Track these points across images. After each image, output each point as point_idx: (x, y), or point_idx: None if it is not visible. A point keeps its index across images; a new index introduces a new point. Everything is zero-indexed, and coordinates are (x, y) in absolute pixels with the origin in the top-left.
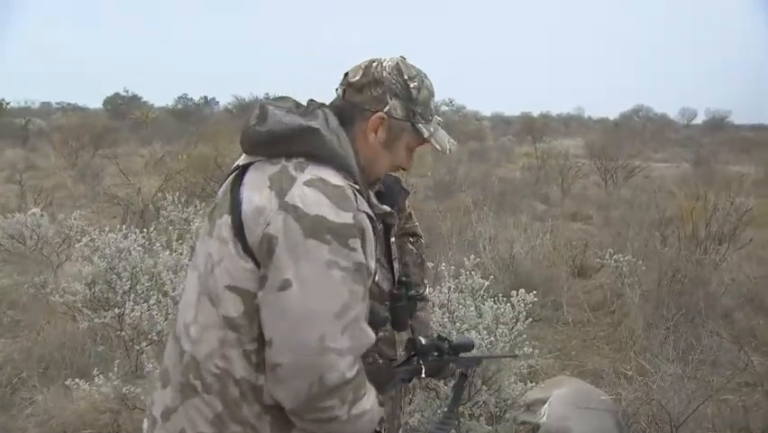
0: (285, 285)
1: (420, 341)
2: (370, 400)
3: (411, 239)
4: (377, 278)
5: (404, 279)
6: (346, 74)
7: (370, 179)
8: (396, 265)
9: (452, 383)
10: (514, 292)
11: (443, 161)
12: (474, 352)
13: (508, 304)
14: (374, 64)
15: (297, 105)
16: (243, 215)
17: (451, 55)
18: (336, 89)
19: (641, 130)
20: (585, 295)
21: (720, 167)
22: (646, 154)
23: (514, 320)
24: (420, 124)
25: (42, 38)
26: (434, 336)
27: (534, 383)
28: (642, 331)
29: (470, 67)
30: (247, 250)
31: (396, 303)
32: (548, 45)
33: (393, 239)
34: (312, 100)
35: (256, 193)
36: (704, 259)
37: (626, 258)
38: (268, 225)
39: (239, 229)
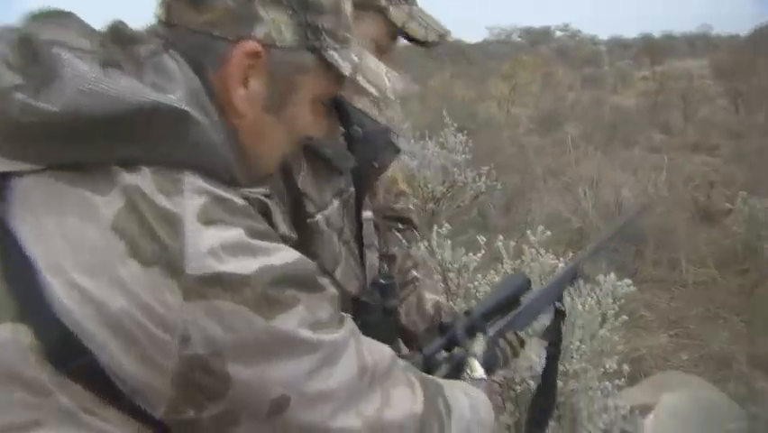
0: (279, 405)
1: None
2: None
3: (400, 225)
4: (338, 274)
5: (381, 281)
6: None
7: (252, 176)
8: (370, 259)
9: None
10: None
11: (551, 88)
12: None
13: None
14: None
15: (112, 36)
16: (78, 328)
17: None
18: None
19: None
20: (709, 248)
21: None
22: None
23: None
24: (332, 52)
25: None
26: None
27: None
28: None
29: None
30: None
31: (366, 315)
32: None
33: (369, 214)
34: (121, 26)
35: (88, 273)
36: None
37: (764, 203)
38: (184, 341)
39: (61, 355)
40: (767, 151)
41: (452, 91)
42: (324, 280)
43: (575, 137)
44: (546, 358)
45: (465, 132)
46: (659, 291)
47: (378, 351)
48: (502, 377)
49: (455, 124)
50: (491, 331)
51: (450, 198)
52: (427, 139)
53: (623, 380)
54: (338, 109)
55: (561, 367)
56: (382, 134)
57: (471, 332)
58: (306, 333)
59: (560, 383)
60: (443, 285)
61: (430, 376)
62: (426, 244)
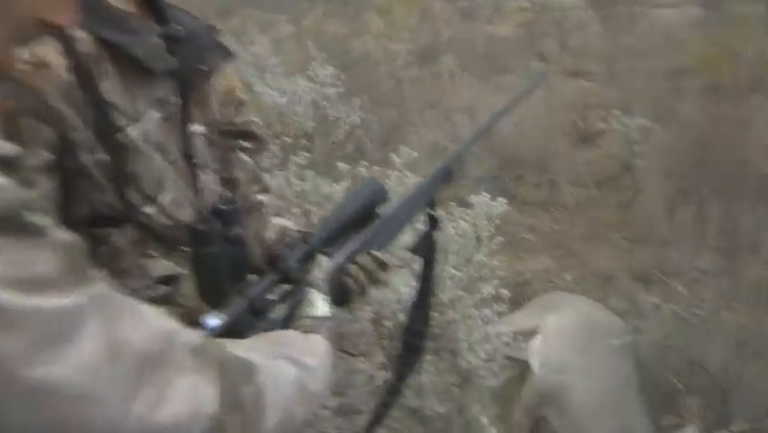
0: None
1: None
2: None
3: (245, 143)
4: (164, 199)
5: (222, 207)
6: None
7: None
8: (206, 182)
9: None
10: (474, 198)
11: (428, 21)
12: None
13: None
14: None
15: None
16: None
17: None
18: None
19: None
20: (588, 169)
21: (735, 7)
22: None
23: (474, 241)
24: None
25: None
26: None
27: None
28: (661, 214)
29: None
30: None
31: (204, 247)
32: None
33: (198, 128)
34: None
35: None
36: (734, 115)
37: (637, 120)
38: None
39: None
40: (637, 72)
41: (325, 28)
42: (46, 221)
43: (453, 68)
44: (420, 276)
45: (335, 64)
46: (541, 214)
47: (150, 326)
48: (372, 313)
49: (324, 56)
50: (339, 256)
51: (324, 134)
52: (297, 75)
53: (502, 305)
54: (150, 4)
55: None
56: (208, 34)
57: (311, 259)
58: (5, 296)
59: (435, 314)
60: (304, 220)
61: (239, 354)
62: (286, 176)
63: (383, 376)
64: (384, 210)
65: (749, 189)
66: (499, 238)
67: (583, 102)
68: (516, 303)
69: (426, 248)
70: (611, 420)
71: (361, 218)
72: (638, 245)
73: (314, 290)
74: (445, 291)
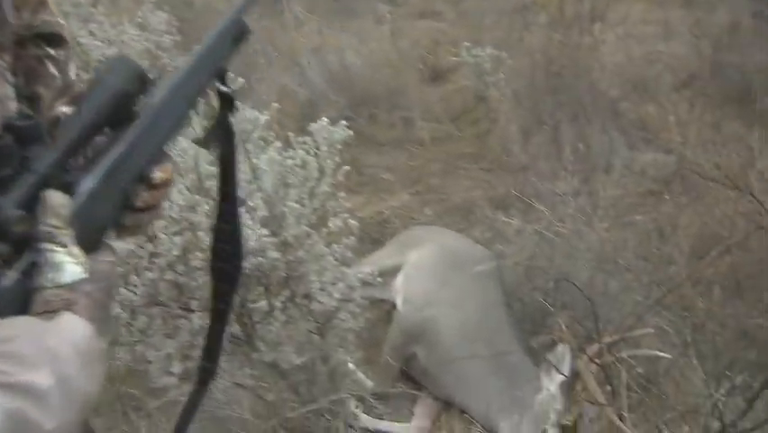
0: None
1: None
2: None
3: (50, 49)
4: None
5: (17, 123)
6: None
7: None
8: None
9: None
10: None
11: None
12: None
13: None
14: None
15: None
16: None
17: None
18: None
19: None
20: (442, 105)
21: None
22: None
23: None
24: None
25: None
26: None
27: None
28: (517, 142)
29: None
30: None
31: None
32: None
33: None
34: None
35: None
36: (580, 43)
37: (487, 51)
38: None
39: None
40: (485, 10)
41: None
42: None
43: (299, 13)
44: (219, 177)
45: (168, 10)
46: (397, 153)
47: None
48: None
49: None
50: (88, 182)
51: None
52: (125, 24)
53: (352, 238)
54: None
55: (278, 237)
56: None
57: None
58: None
59: (276, 254)
60: None
61: None
62: None
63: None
64: (149, 100)
65: (599, 112)
66: (346, 167)
67: (433, 39)
68: (377, 243)
69: (221, 138)
70: (482, 348)
71: (110, 120)
72: (496, 174)
73: (54, 245)
74: (289, 229)
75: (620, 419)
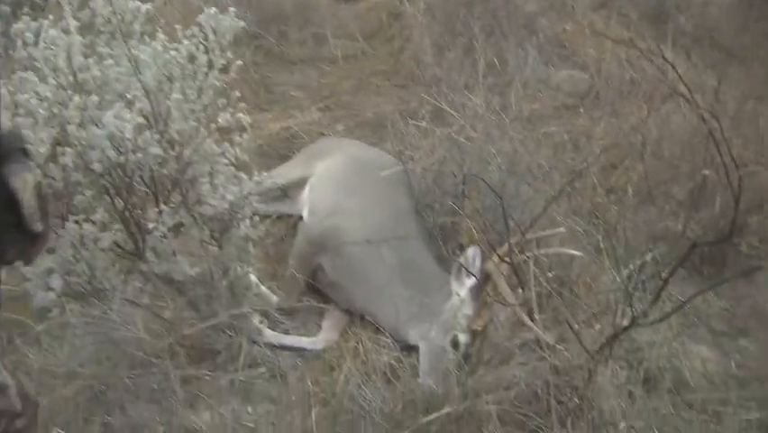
0: None
1: None
2: None
3: None
4: None
5: None
6: None
7: None
8: None
9: None
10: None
11: None
12: None
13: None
14: None
15: None
16: None
17: None
18: None
19: None
20: (355, 22)
21: None
22: None
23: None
24: None
25: None
26: None
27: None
28: (431, 57)
29: None
30: None
31: None
32: None
33: None
34: None
35: None
36: None
37: None
38: None
39: None
40: None
41: None
42: None
43: None
44: None
45: None
46: (308, 71)
47: None
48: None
49: None
50: None
51: None
52: None
53: (245, 136)
54: None
55: (163, 136)
56: None
57: None
58: None
59: (159, 150)
60: None
61: None
62: None
63: (111, 238)
64: None
65: (515, 28)
66: (239, 62)
67: None
68: (285, 159)
69: None
70: (390, 257)
71: None
72: (410, 89)
73: None
74: (175, 123)
75: (531, 319)
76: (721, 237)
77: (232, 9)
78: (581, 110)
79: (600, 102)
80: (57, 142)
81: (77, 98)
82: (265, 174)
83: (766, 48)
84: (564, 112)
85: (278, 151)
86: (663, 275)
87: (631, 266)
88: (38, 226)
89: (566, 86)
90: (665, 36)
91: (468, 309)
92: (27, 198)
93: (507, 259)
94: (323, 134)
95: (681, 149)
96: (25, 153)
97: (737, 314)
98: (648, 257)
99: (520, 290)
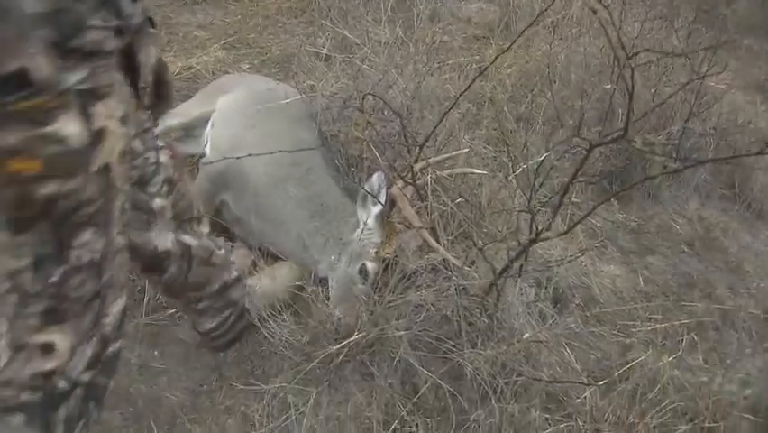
0: None
1: None
2: None
3: None
4: None
5: None
6: None
7: None
8: None
9: None
10: None
11: None
12: None
13: None
14: None
15: None
16: None
17: None
18: None
19: None
20: None
21: None
22: None
23: None
24: None
25: None
26: None
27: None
28: None
29: None
30: None
31: None
32: None
33: None
34: None
35: None
36: None
37: None
38: None
39: None
40: None
41: None
42: None
43: None
44: None
45: None
46: (211, 10)
47: None
48: None
49: None
50: None
51: None
52: None
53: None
54: None
55: None
56: None
57: None
58: None
59: None
60: None
61: None
62: None
63: None
64: None
65: None
66: None
67: None
68: (187, 99)
69: None
70: (294, 190)
71: None
72: (316, 25)
73: None
74: None
75: (436, 241)
76: (618, 135)
77: None
78: (492, 42)
79: (510, 33)
80: None
81: None
82: (169, 114)
83: None
84: (474, 43)
85: (180, 92)
86: (564, 184)
87: (536, 183)
88: (146, 101)
89: (476, 17)
90: None
91: (376, 237)
92: (145, 75)
93: (410, 181)
94: (227, 73)
95: (589, 73)
96: (151, 23)
97: (645, 232)
98: (550, 167)
99: (425, 213)
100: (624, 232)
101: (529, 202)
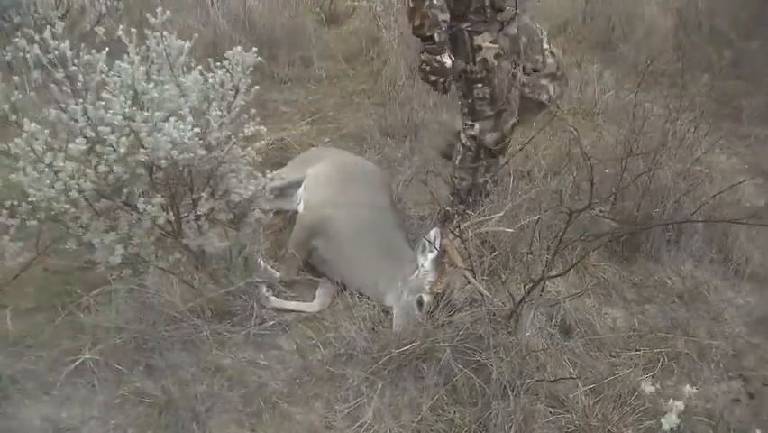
0: None
1: None
2: None
3: None
4: None
5: None
6: None
7: None
8: None
9: None
10: (229, 53)
11: None
12: None
13: (222, 71)
14: None
15: None
16: None
17: None
18: None
19: None
20: (338, 45)
21: None
22: None
23: (233, 91)
24: None
25: None
26: None
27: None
28: (405, 79)
29: None
30: None
31: None
32: None
33: None
34: None
35: None
36: None
37: None
38: None
39: None
40: None
41: None
42: None
43: None
44: None
45: None
46: (296, 89)
47: None
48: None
49: None
50: None
51: (71, 23)
52: None
53: (261, 141)
54: None
55: (203, 141)
56: None
57: None
58: None
59: (203, 152)
60: None
61: None
62: None
63: (165, 218)
64: None
65: None
66: (257, 87)
67: None
68: (279, 165)
69: None
70: (372, 239)
71: None
72: (386, 107)
73: None
74: (212, 133)
75: (474, 278)
76: (584, 207)
77: (254, 48)
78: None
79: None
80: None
81: (144, 113)
82: (273, 173)
83: (692, 71)
84: None
85: (273, 159)
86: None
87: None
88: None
89: None
90: (609, 60)
91: (430, 276)
92: (479, 62)
93: (457, 235)
94: (311, 145)
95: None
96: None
97: (646, 286)
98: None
99: (467, 258)
100: (628, 285)
101: (536, 252)
